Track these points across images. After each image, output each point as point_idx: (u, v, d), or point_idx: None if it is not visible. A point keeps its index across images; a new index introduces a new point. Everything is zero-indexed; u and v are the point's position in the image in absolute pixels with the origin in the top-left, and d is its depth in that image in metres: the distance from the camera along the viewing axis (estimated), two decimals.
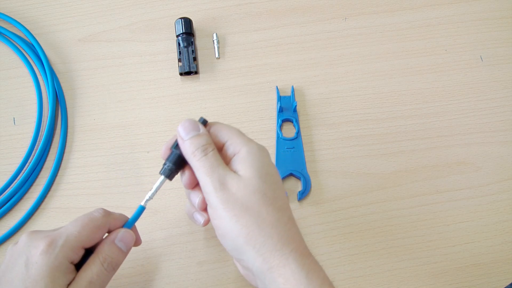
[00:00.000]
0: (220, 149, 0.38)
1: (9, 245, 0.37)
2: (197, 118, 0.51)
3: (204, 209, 0.38)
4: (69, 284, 0.34)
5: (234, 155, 0.36)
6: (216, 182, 0.34)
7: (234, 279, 0.44)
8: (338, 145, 0.50)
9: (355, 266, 0.45)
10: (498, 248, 0.46)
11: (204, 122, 0.38)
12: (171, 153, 0.38)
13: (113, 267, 0.37)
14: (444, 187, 0.49)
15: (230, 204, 0.34)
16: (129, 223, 0.39)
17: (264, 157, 0.36)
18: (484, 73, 0.54)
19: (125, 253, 0.37)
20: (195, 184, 0.38)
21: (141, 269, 0.45)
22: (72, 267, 0.35)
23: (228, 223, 0.34)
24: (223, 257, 0.45)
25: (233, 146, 0.36)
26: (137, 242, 0.40)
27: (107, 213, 0.38)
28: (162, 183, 0.38)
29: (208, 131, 0.38)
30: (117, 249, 0.37)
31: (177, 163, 0.37)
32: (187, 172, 0.38)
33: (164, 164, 0.38)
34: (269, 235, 0.33)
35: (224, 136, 0.37)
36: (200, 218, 0.39)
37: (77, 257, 0.35)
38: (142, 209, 0.38)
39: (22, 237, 0.36)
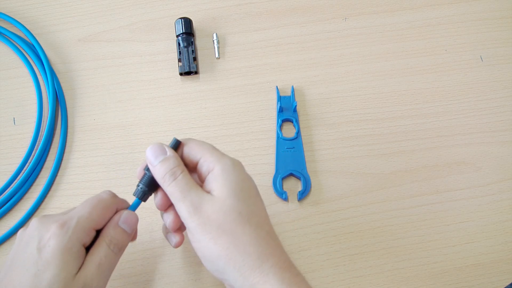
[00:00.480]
0: (194, 167, 0.37)
1: (20, 230, 0.37)
2: (197, 119, 0.52)
3: (176, 230, 0.38)
4: (79, 269, 0.34)
5: (208, 173, 0.36)
6: (189, 206, 0.34)
7: None
8: (338, 145, 0.50)
9: (355, 266, 0.45)
10: (498, 248, 0.46)
11: (177, 143, 0.37)
12: (144, 175, 0.37)
13: (119, 248, 0.37)
14: (444, 187, 0.49)
15: (207, 227, 0.34)
16: (134, 205, 0.39)
17: (238, 173, 0.36)
18: (484, 73, 0.54)
19: (129, 235, 0.38)
20: (167, 206, 0.38)
21: (141, 269, 0.45)
22: (84, 251, 0.35)
23: (206, 245, 0.34)
24: None
25: (207, 163, 0.36)
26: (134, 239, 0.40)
27: (114, 195, 0.38)
28: (137, 204, 0.38)
29: (182, 151, 0.38)
30: (121, 231, 0.37)
31: (150, 185, 0.37)
32: (159, 194, 0.38)
33: (138, 185, 0.38)
34: (248, 254, 0.33)
35: (197, 154, 0.37)
36: (173, 239, 0.39)
37: (89, 238, 0.35)
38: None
39: (32, 221, 0.36)
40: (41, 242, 0.34)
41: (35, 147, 0.50)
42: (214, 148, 0.37)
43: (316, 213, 0.47)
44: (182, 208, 0.35)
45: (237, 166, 0.36)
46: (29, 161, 0.49)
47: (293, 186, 0.49)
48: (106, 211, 0.37)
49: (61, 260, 0.33)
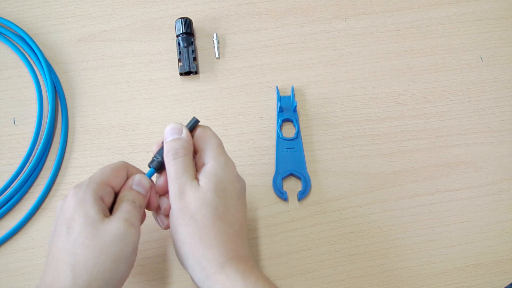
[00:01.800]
0: (196, 153, 0.40)
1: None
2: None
3: (168, 215, 0.39)
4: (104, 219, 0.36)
5: (203, 165, 0.38)
6: (177, 189, 0.37)
7: None
8: (338, 145, 0.50)
9: (355, 266, 0.45)
10: (498, 248, 0.46)
11: (195, 123, 0.40)
12: (161, 148, 0.40)
13: (140, 205, 0.38)
14: (444, 187, 0.49)
15: (183, 212, 0.36)
16: (148, 175, 0.40)
17: (227, 174, 0.38)
18: (484, 73, 0.54)
19: (145, 196, 0.39)
20: (166, 191, 0.39)
21: (141, 269, 0.45)
22: (101, 203, 0.36)
23: (177, 229, 0.36)
24: None
25: (204, 156, 0.39)
26: (153, 204, 0.41)
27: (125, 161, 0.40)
28: (151, 174, 0.40)
29: (195, 132, 0.40)
30: (136, 192, 0.38)
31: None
32: (162, 178, 0.40)
33: (154, 157, 0.40)
34: (210, 247, 0.35)
35: (202, 144, 0.39)
36: (164, 220, 0.41)
37: (104, 193, 0.37)
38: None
39: None
40: (63, 207, 0.36)
41: (35, 147, 0.50)
42: (219, 146, 0.39)
43: (316, 213, 0.47)
44: (171, 188, 0.37)
45: (228, 167, 0.38)
46: (29, 161, 0.49)
47: (293, 186, 0.49)
48: (117, 169, 0.39)
49: (81, 209, 0.35)
